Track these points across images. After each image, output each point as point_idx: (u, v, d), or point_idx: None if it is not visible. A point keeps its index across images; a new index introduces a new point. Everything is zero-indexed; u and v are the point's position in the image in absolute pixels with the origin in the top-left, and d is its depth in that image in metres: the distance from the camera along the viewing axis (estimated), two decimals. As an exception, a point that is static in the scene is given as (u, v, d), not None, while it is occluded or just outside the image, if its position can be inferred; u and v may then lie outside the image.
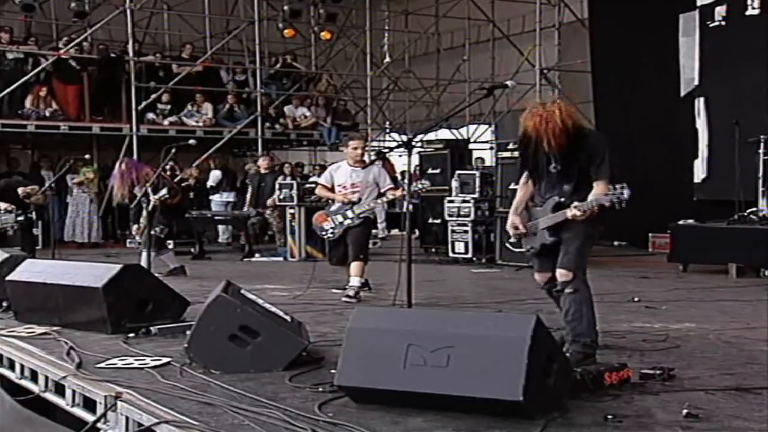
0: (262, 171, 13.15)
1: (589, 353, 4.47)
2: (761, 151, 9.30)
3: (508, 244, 5.23)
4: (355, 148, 7.68)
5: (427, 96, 20.79)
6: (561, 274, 4.59)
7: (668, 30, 12.06)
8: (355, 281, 7.49)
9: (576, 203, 4.47)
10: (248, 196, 13.29)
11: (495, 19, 19.24)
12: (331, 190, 7.70)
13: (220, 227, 14.53)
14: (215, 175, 14.64)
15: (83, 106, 15.28)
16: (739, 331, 5.56)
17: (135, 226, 9.30)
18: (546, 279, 4.83)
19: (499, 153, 11.32)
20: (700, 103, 11.57)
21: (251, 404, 3.62)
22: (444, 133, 18.82)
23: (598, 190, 4.47)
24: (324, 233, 7.76)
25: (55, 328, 5.63)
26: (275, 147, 19.23)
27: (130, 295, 5.63)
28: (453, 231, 11.34)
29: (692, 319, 6.03)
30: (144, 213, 8.60)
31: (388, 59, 20.81)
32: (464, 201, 11.21)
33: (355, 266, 7.50)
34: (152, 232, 8.57)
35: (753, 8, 10.62)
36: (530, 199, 4.85)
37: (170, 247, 10.18)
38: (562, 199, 4.59)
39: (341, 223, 7.55)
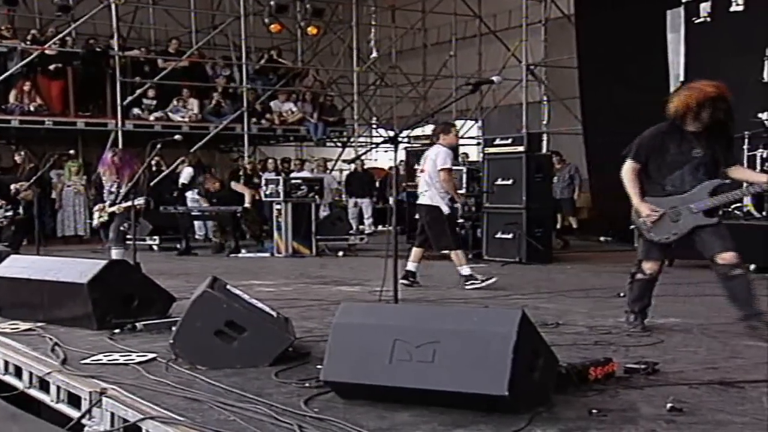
0: (212, 190, 13.14)
1: None
2: (745, 147, 9.35)
3: (646, 233, 5.33)
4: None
5: (413, 91, 20.81)
6: (732, 257, 5.00)
7: (656, 26, 12.09)
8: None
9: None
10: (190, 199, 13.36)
11: (481, 14, 19.27)
12: None
13: (196, 223, 14.45)
14: (187, 173, 14.50)
15: (68, 101, 15.19)
16: (723, 326, 5.58)
17: (98, 205, 9.13)
18: (657, 269, 5.32)
19: (486, 149, 11.33)
20: (685, 100, 11.60)
21: (237, 400, 3.62)
22: (430, 129, 18.84)
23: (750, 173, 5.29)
24: None
25: (39, 324, 5.59)
26: (261, 142, 19.21)
27: (116, 290, 5.60)
28: (440, 226, 11.33)
29: (677, 314, 6.05)
30: (106, 205, 8.62)
31: (374, 54, 20.80)
32: (451, 197, 11.19)
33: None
34: (120, 228, 8.53)
35: (737, 4, 10.68)
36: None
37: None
38: (727, 181, 5.07)
39: None
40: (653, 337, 5.14)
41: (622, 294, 7.27)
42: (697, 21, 11.28)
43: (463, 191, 8.29)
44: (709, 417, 3.35)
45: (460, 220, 10.85)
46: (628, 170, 5.30)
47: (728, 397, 3.67)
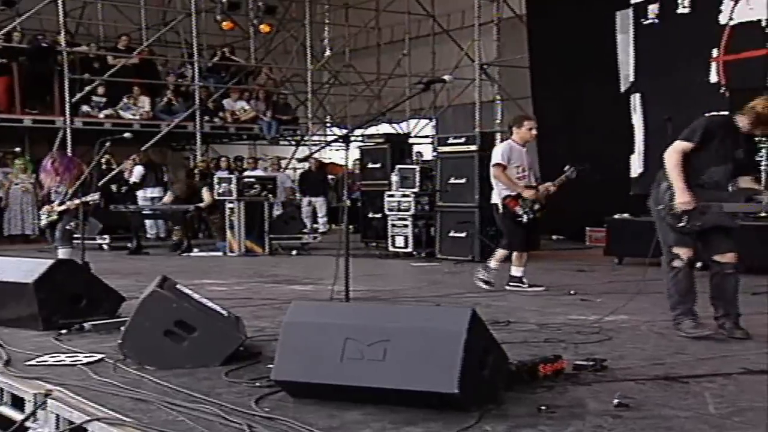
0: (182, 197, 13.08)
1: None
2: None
3: (674, 220, 5.19)
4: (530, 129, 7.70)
5: (367, 90, 20.80)
6: (734, 257, 5.12)
7: (606, 27, 12.25)
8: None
9: None
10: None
11: (435, 13, 19.34)
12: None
13: (148, 222, 14.25)
14: (138, 171, 14.30)
15: (13, 98, 14.86)
16: (669, 323, 5.67)
17: (46, 207, 8.96)
18: (692, 254, 5.22)
19: (439, 147, 11.37)
20: (636, 99, 11.80)
21: (185, 400, 3.58)
22: (384, 128, 18.89)
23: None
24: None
25: (-17, 325, 5.47)
26: (214, 141, 19.04)
27: (63, 290, 5.51)
28: (393, 225, 11.37)
29: (626, 311, 6.13)
30: (55, 205, 8.45)
31: (328, 53, 20.76)
32: (404, 195, 11.24)
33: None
34: (68, 227, 8.40)
35: (684, 7, 10.88)
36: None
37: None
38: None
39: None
40: (602, 335, 5.21)
41: (572, 292, 7.38)
42: (645, 22, 11.46)
43: (521, 191, 7.54)
44: (655, 412, 3.41)
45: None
46: (677, 151, 5.13)
47: (673, 392, 3.74)
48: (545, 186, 7.75)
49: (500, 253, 7.72)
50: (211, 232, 13.67)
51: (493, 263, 7.70)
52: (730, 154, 5.10)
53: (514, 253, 7.67)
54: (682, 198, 5.05)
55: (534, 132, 7.73)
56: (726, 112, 5.27)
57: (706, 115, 5.35)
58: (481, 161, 10.59)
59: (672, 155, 5.14)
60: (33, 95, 15.16)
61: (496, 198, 7.69)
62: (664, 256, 5.36)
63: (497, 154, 7.62)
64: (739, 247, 5.24)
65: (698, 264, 5.47)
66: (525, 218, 7.52)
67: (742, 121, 5.12)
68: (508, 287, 7.61)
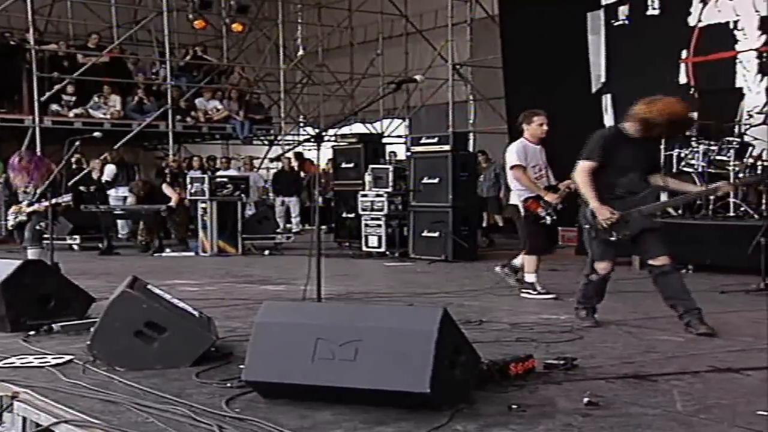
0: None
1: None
2: (662, 147, 9.60)
3: (603, 234, 5.34)
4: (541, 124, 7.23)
5: (341, 90, 20.77)
6: (667, 258, 5.26)
7: (578, 27, 12.34)
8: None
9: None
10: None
11: (408, 13, 19.36)
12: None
13: (119, 222, 14.13)
14: (110, 170, 14.15)
15: (-21, 97, 14.69)
16: (639, 321, 5.76)
17: (14, 207, 8.88)
18: (611, 268, 5.48)
19: (412, 147, 11.39)
20: (607, 100, 11.91)
21: (156, 401, 3.55)
22: (358, 128, 18.88)
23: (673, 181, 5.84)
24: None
25: (-51, 327, 5.39)
26: (187, 140, 18.92)
27: (32, 291, 5.45)
28: (366, 225, 11.36)
29: (597, 310, 6.18)
30: (24, 205, 8.38)
31: (301, 52, 20.70)
32: (378, 195, 11.24)
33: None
34: (37, 227, 8.32)
35: (654, 8, 11.01)
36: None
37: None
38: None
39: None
40: (573, 334, 5.25)
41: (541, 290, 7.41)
42: (616, 24, 11.57)
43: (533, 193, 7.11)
44: (623, 410, 3.44)
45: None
46: (583, 170, 5.30)
47: (642, 390, 3.77)
48: (566, 183, 7.14)
49: (528, 261, 7.27)
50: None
51: (529, 277, 7.23)
52: (638, 159, 5.31)
53: (531, 258, 7.30)
54: (601, 214, 5.25)
55: (545, 127, 7.22)
56: (614, 125, 5.46)
57: (598, 131, 5.60)
58: (454, 161, 10.64)
59: (580, 175, 5.35)
60: (1, 94, 14.97)
61: (515, 200, 7.32)
62: (586, 266, 5.62)
63: (512, 156, 7.16)
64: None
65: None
66: (548, 220, 7.14)
67: (631, 128, 5.33)
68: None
